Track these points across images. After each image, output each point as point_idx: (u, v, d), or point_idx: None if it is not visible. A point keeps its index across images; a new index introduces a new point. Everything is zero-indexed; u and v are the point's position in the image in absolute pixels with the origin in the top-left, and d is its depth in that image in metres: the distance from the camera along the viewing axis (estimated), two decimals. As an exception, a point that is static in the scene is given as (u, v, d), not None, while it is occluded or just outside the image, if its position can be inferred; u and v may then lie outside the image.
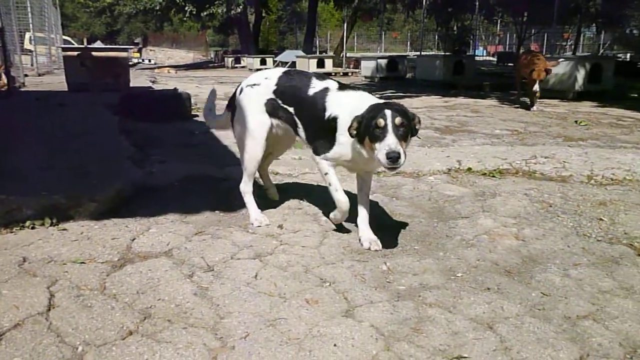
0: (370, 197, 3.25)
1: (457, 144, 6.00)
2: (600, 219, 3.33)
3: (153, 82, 15.43)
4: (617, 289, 2.36)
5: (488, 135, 6.72)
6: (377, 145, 2.44)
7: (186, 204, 3.52)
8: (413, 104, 10.49)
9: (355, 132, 2.55)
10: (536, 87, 9.04)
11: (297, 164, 4.80)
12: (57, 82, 12.23)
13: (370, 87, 15.63)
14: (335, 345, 1.87)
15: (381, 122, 2.42)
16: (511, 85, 13.98)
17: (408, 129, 2.49)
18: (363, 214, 2.94)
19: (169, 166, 4.49)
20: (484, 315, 2.10)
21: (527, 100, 9.77)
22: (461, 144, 6.04)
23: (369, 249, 2.81)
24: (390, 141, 2.39)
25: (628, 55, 31.49)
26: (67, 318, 2.01)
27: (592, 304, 2.21)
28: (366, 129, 2.49)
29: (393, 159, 2.35)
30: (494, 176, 4.44)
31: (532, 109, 9.32)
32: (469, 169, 4.64)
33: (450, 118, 8.30)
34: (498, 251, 2.80)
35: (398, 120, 2.44)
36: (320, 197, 3.75)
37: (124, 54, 11.70)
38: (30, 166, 3.86)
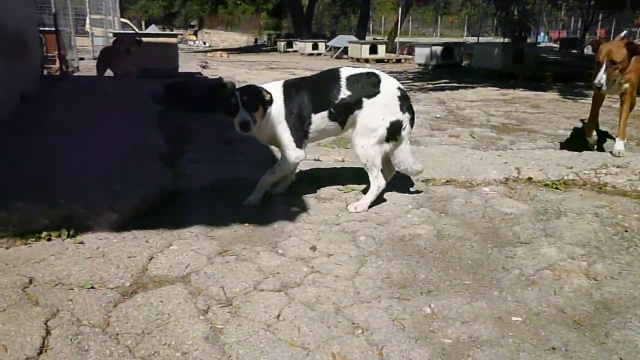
0: (417, 212, 3.29)
1: (515, 147, 5.49)
2: (688, 252, 2.83)
3: (204, 67, 15.31)
4: None
5: (551, 136, 6.15)
6: None
7: (215, 213, 3.27)
8: (468, 96, 9.90)
9: None
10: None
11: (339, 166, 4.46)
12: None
13: (423, 75, 15.02)
14: None
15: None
16: (575, 75, 13.06)
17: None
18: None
19: (203, 167, 4.24)
20: (548, 392, 1.72)
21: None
22: (520, 146, 5.53)
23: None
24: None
25: None
26: (57, 366, 1.77)
27: (686, 381, 1.78)
28: None
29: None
30: (557, 188, 3.95)
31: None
32: (529, 178, 4.16)
33: (508, 114, 7.72)
34: (565, 293, 2.38)
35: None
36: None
37: (173, 40, 11.63)
38: (49, 169, 3.67)
